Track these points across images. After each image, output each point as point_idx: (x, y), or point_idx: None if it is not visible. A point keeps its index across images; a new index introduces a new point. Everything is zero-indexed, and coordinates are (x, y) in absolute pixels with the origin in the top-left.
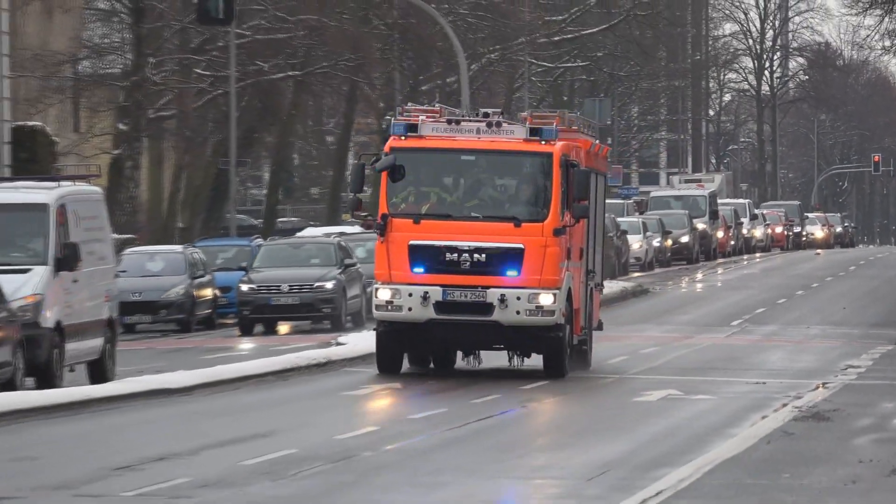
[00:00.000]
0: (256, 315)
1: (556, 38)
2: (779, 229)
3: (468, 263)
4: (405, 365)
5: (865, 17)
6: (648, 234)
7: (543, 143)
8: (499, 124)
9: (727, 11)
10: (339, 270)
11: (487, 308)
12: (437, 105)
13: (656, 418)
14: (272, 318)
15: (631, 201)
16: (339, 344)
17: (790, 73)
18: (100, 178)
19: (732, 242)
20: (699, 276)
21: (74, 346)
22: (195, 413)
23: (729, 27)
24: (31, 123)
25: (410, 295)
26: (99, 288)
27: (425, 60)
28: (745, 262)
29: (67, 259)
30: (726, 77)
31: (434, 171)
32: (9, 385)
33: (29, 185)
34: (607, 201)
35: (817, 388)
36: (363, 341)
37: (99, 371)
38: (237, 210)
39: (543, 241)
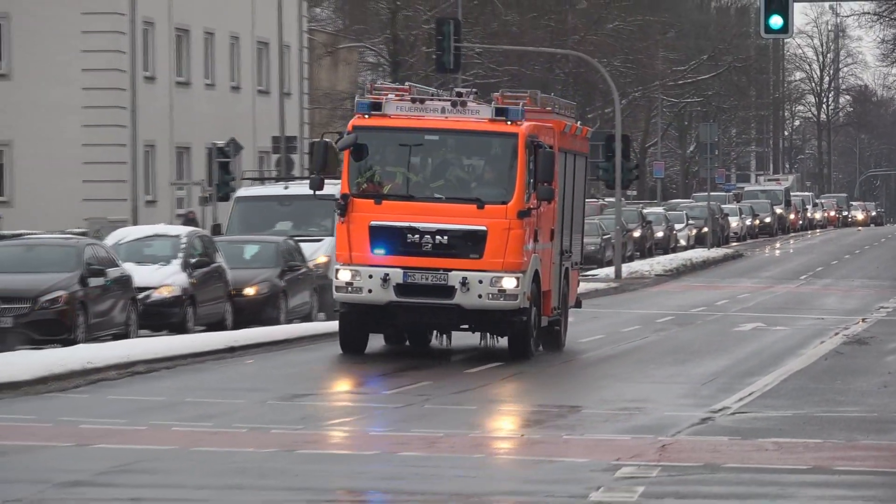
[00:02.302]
0: None
1: (679, 82)
2: (832, 213)
3: (430, 245)
4: (383, 343)
5: (893, 67)
6: (743, 215)
7: (509, 123)
8: (464, 103)
9: (797, 63)
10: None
11: (449, 291)
12: (407, 84)
13: (748, 342)
14: None
15: (731, 194)
16: None
17: (840, 107)
18: None
19: (800, 222)
20: (777, 245)
21: None
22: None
23: (798, 74)
24: (323, 140)
25: (371, 277)
26: None
27: (590, 97)
28: (809, 236)
29: None
30: (796, 109)
31: (397, 151)
32: (307, 318)
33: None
34: (715, 194)
35: (859, 322)
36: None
37: None
38: None
39: (507, 223)
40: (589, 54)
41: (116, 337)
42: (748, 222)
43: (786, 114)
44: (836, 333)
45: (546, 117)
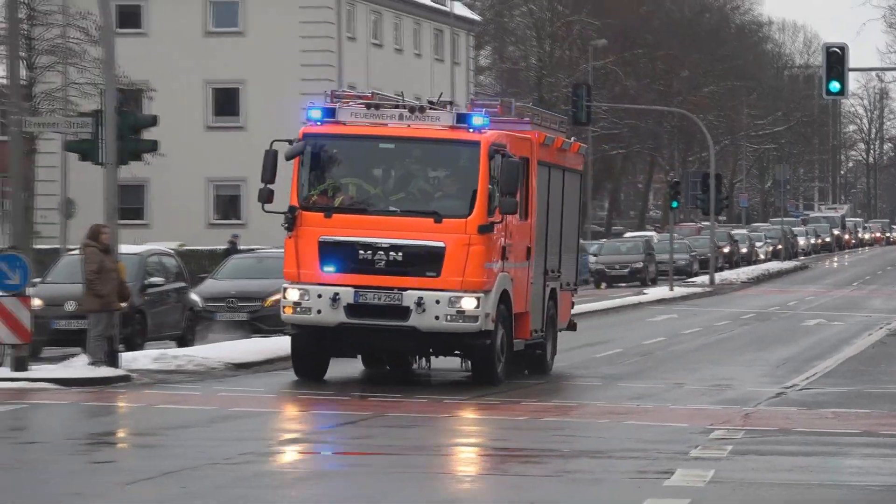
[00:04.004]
0: None
1: (759, 132)
2: (878, 234)
3: (383, 262)
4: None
5: None
6: (808, 236)
7: (471, 130)
8: (422, 109)
9: (850, 118)
10: None
11: (404, 312)
12: (370, 91)
13: (812, 334)
14: None
15: (799, 219)
16: None
17: (884, 152)
18: None
19: (853, 241)
20: (835, 259)
21: None
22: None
23: (851, 126)
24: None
25: (320, 296)
26: None
27: (691, 144)
28: (859, 252)
29: None
30: (850, 153)
31: (350, 160)
32: None
33: None
34: (787, 219)
35: None
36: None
37: None
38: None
39: (466, 238)
40: (689, 111)
41: None
42: (812, 241)
43: (841, 157)
44: (881, 328)
45: (523, 128)
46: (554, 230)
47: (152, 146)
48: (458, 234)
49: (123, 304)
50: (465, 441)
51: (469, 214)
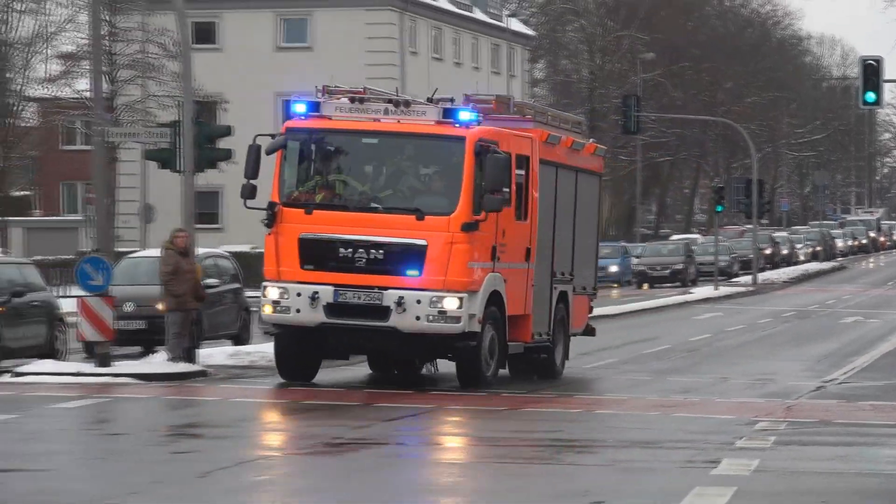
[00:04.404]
0: None
1: (799, 140)
2: None
3: (364, 261)
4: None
5: None
6: (846, 238)
7: (457, 126)
8: (408, 104)
9: (885, 127)
10: None
11: (384, 312)
12: (362, 87)
13: (850, 331)
14: None
15: (837, 222)
16: None
17: None
18: None
19: (888, 243)
20: (871, 260)
21: None
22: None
23: (886, 135)
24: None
25: (299, 295)
26: None
27: (734, 152)
28: (894, 253)
29: None
30: (885, 160)
31: (332, 156)
32: None
33: None
34: (825, 222)
35: None
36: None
37: None
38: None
39: (449, 237)
40: (733, 121)
41: None
42: (849, 243)
43: (877, 163)
44: None
45: (524, 125)
46: (564, 232)
47: (226, 155)
48: (440, 232)
49: (199, 304)
50: (523, 432)
51: (453, 212)
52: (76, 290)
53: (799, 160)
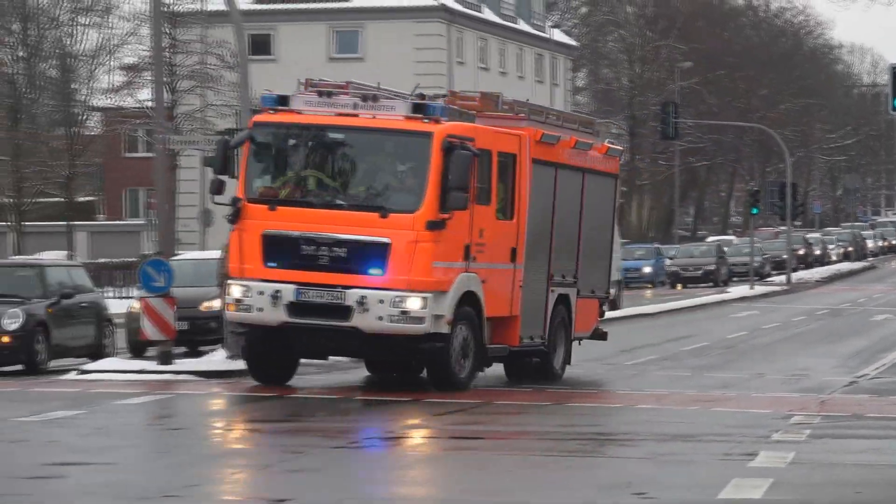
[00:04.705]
0: None
1: (831, 146)
2: None
3: (326, 259)
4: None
5: None
6: (876, 239)
7: (426, 121)
8: (376, 98)
9: None
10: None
11: (345, 312)
12: (345, 81)
13: (881, 328)
14: None
15: (868, 223)
16: None
17: None
18: None
19: None
20: None
21: None
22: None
23: None
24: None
25: (261, 293)
26: None
27: (769, 157)
28: None
29: None
30: None
31: (297, 150)
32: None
33: None
34: (856, 224)
35: None
36: None
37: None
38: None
39: (413, 235)
40: (767, 126)
41: None
42: (880, 244)
43: None
44: None
45: (517, 124)
46: (566, 234)
47: None
48: (404, 230)
49: None
50: (567, 426)
51: (417, 210)
52: (139, 291)
53: (831, 164)
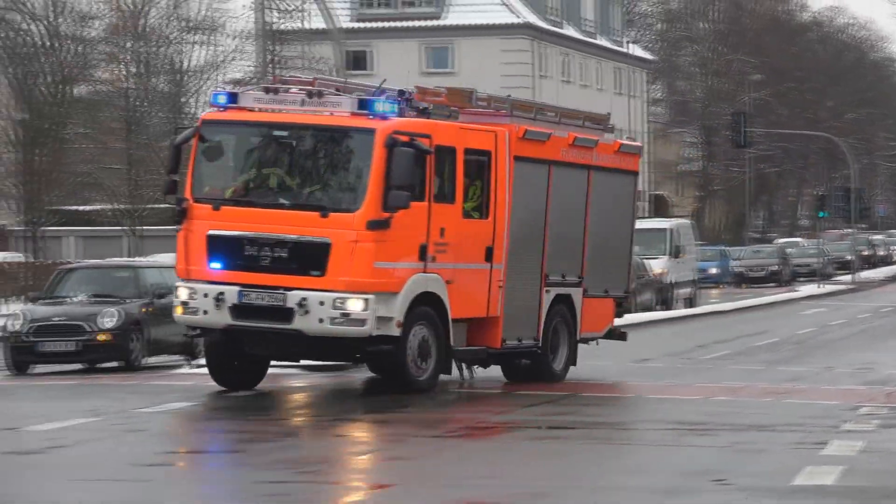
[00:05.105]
0: None
1: (893, 152)
2: None
3: (269, 259)
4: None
5: None
6: None
7: (371, 117)
8: (320, 94)
9: None
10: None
11: (287, 314)
12: (313, 76)
13: None
14: None
15: None
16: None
17: None
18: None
19: None
20: None
21: (680, 290)
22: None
23: None
24: (657, 192)
25: (206, 295)
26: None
27: (835, 163)
28: None
29: (677, 251)
30: None
31: (242, 149)
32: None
33: (655, 220)
34: None
35: None
36: None
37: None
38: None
39: (353, 235)
40: (833, 135)
41: None
42: None
43: None
44: None
45: (497, 120)
46: (564, 233)
47: None
48: (344, 229)
49: None
50: (648, 419)
51: (358, 209)
52: None
53: (893, 170)
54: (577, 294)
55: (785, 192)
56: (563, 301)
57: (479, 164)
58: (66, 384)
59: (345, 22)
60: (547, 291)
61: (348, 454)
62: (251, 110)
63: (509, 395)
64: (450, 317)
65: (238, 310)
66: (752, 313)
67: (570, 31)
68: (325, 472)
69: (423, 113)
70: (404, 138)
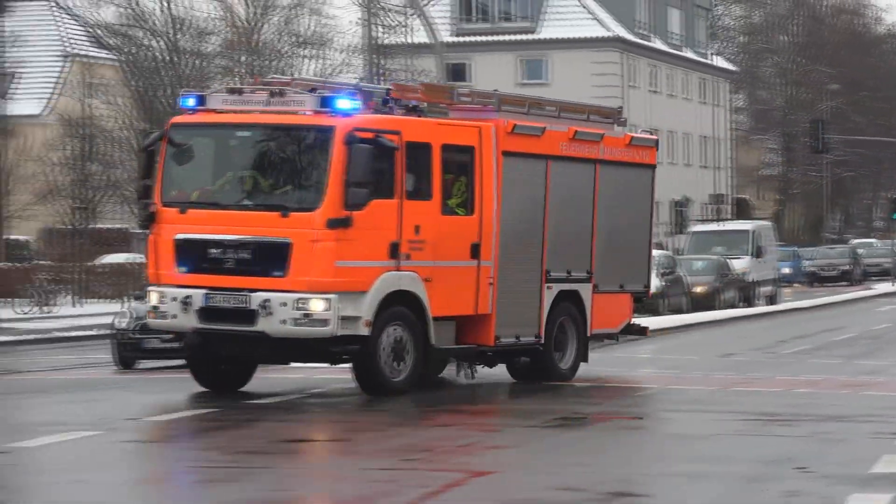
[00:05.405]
0: None
1: None
2: None
3: (232, 261)
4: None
5: None
6: None
7: (332, 115)
8: (282, 93)
9: None
10: None
11: (251, 316)
12: (288, 77)
13: None
14: None
15: None
16: None
17: None
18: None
19: None
20: None
21: (761, 288)
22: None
23: None
24: (739, 196)
25: (174, 299)
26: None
27: None
28: None
29: (758, 251)
30: None
31: (208, 151)
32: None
33: (738, 222)
34: None
35: None
36: None
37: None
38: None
39: (313, 234)
40: None
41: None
42: None
43: None
44: None
45: (485, 116)
46: (568, 228)
47: None
48: (305, 229)
49: None
50: (734, 411)
51: (318, 207)
52: None
53: None
54: (585, 290)
55: (860, 196)
56: (570, 297)
57: (463, 161)
58: (175, 377)
59: (445, 36)
60: (549, 288)
61: (449, 443)
62: (219, 112)
63: (602, 387)
64: (429, 315)
65: (205, 313)
66: (829, 310)
67: (657, 44)
68: (429, 459)
69: (414, 111)
70: (368, 135)
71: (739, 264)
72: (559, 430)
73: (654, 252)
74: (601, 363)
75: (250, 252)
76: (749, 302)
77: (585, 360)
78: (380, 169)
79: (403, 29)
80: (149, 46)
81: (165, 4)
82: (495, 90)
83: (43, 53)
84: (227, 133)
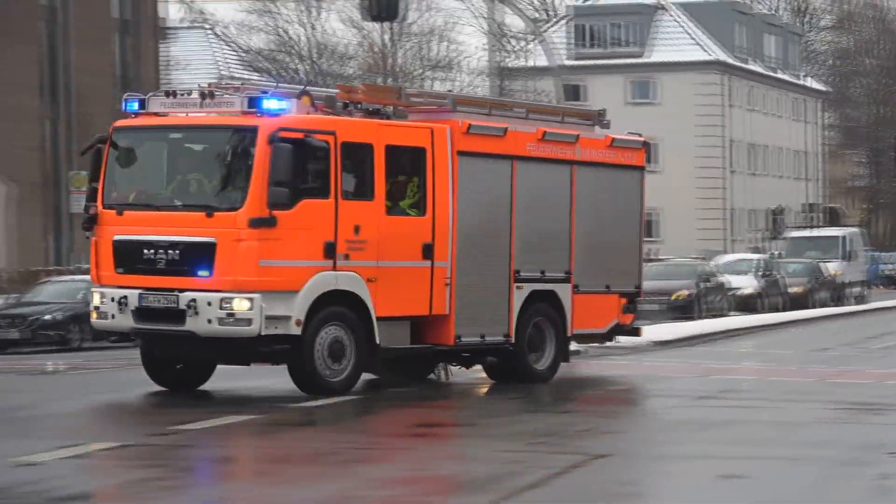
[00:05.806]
0: None
1: None
2: None
3: (164, 262)
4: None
5: None
6: None
7: (258, 115)
8: (213, 95)
9: None
10: None
11: (180, 315)
12: (240, 82)
13: None
14: None
15: None
16: None
17: None
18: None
19: None
20: None
21: (852, 289)
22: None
23: None
24: (830, 205)
25: (112, 300)
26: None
27: None
28: None
29: (849, 255)
30: None
31: (144, 153)
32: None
33: (831, 229)
34: None
35: None
36: None
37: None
38: None
39: (236, 233)
40: None
41: (713, 316)
42: None
43: None
44: None
45: (443, 117)
46: (541, 228)
47: None
48: (228, 228)
49: None
50: (828, 398)
51: (240, 207)
52: None
53: None
54: (563, 290)
55: None
56: (546, 297)
57: (415, 162)
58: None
59: (563, 60)
60: (518, 287)
61: (570, 428)
62: (158, 115)
63: (704, 378)
64: (374, 315)
65: (139, 313)
66: None
67: (755, 67)
68: (552, 443)
69: (374, 114)
70: (296, 135)
71: (831, 267)
72: (666, 414)
73: (754, 256)
74: (707, 356)
75: (179, 252)
76: (840, 302)
77: (566, 359)
78: (310, 169)
79: (525, 53)
80: (295, 69)
81: (310, 32)
82: (449, 91)
83: (201, 76)
84: (162, 135)
